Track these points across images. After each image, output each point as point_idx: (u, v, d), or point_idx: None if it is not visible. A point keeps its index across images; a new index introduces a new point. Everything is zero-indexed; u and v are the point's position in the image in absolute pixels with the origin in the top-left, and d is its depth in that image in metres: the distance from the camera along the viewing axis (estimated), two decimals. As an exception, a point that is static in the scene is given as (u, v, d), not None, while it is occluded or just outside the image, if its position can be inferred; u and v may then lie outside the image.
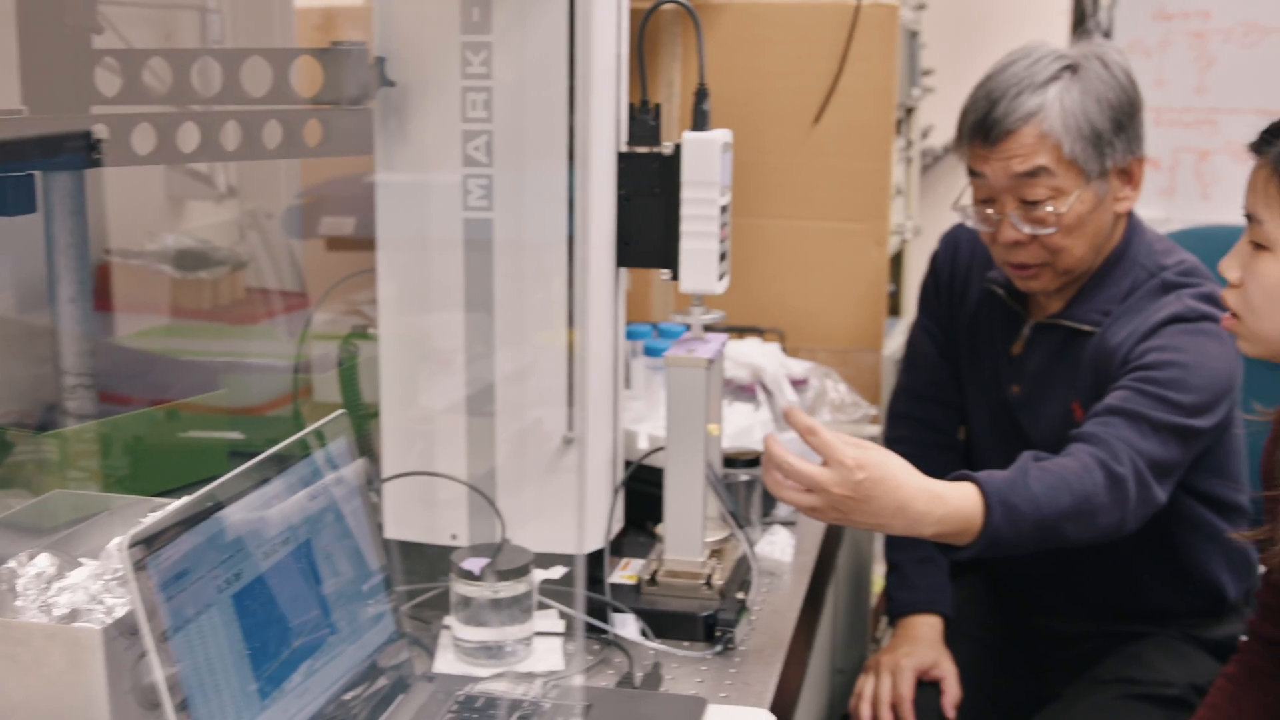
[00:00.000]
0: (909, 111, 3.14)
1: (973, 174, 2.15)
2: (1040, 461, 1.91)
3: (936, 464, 2.32)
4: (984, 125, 2.09)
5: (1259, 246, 1.63)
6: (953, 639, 2.29)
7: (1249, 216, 1.64)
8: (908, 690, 2.17)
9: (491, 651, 1.60)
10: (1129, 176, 2.14)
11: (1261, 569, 1.92)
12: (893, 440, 2.46)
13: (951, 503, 1.79)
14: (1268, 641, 1.91)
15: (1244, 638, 1.99)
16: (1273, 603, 1.87)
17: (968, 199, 2.18)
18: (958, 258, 2.39)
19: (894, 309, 3.25)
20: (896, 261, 3.23)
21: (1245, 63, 4.59)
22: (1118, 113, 2.09)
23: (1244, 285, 1.65)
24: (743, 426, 2.12)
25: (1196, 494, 2.17)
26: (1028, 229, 2.09)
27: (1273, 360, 1.69)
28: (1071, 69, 2.09)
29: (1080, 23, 4.00)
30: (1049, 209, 2.07)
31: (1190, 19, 4.62)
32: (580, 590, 1.69)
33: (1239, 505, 2.24)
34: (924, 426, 2.43)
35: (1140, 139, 2.14)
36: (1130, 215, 2.20)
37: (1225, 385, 2.04)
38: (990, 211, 2.13)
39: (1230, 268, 1.68)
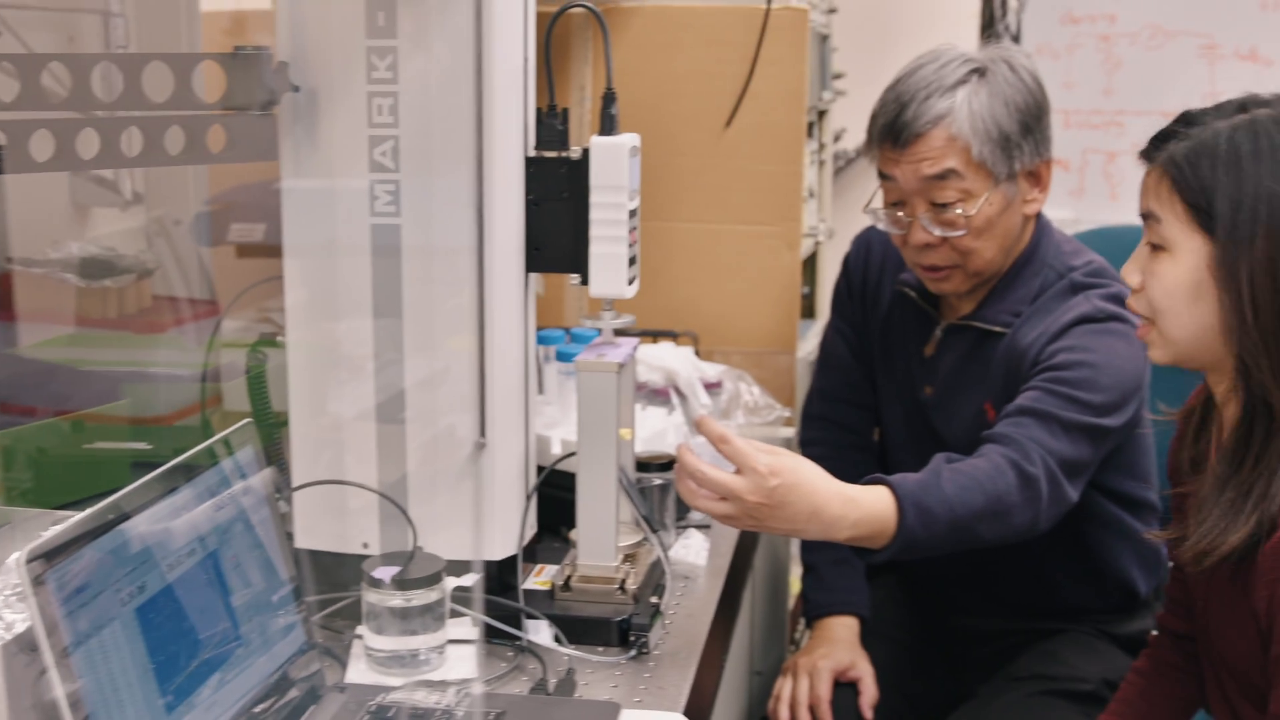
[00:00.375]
0: (821, 115, 3.16)
1: (883, 177, 2.16)
2: (953, 463, 1.93)
3: (851, 465, 2.34)
4: (893, 129, 2.10)
5: (1156, 248, 1.65)
6: (869, 639, 2.30)
7: (1145, 217, 1.67)
8: (825, 691, 2.18)
9: (404, 660, 1.59)
10: (1037, 179, 2.16)
11: (1170, 564, 1.94)
12: (807, 442, 2.47)
13: (865, 506, 1.79)
14: (1176, 636, 1.93)
15: (1153, 633, 2.02)
16: (1181, 598, 1.90)
17: (879, 202, 2.19)
18: (870, 260, 2.40)
19: (809, 311, 3.27)
20: (810, 264, 3.25)
21: (1151, 65, 4.66)
22: (1025, 116, 2.11)
23: (1145, 288, 1.67)
24: (657, 430, 2.12)
25: (1107, 492, 2.20)
26: (938, 231, 2.10)
27: (1182, 366, 1.71)
28: (979, 72, 2.11)
29: (989, 26, 4.04)
30: (958, 211, 2.08)
31: (1097, 22, 4.68)
32: (477, 596, 1.68)
33: (1149, 502, 2.27)
34: (838, 428, 2.44)
35: (1048, 141, 2.16)
36: (1039, 217, 2.22)
37: (1134, 384, 2.06)
38: (901, 214, 2.14)
39: (1131, 273, 1.70)
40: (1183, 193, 1.61)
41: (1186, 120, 1.64)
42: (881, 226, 2.20)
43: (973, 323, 2.20)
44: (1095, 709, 2.11)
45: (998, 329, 2.17)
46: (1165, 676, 1.94)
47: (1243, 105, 1.62)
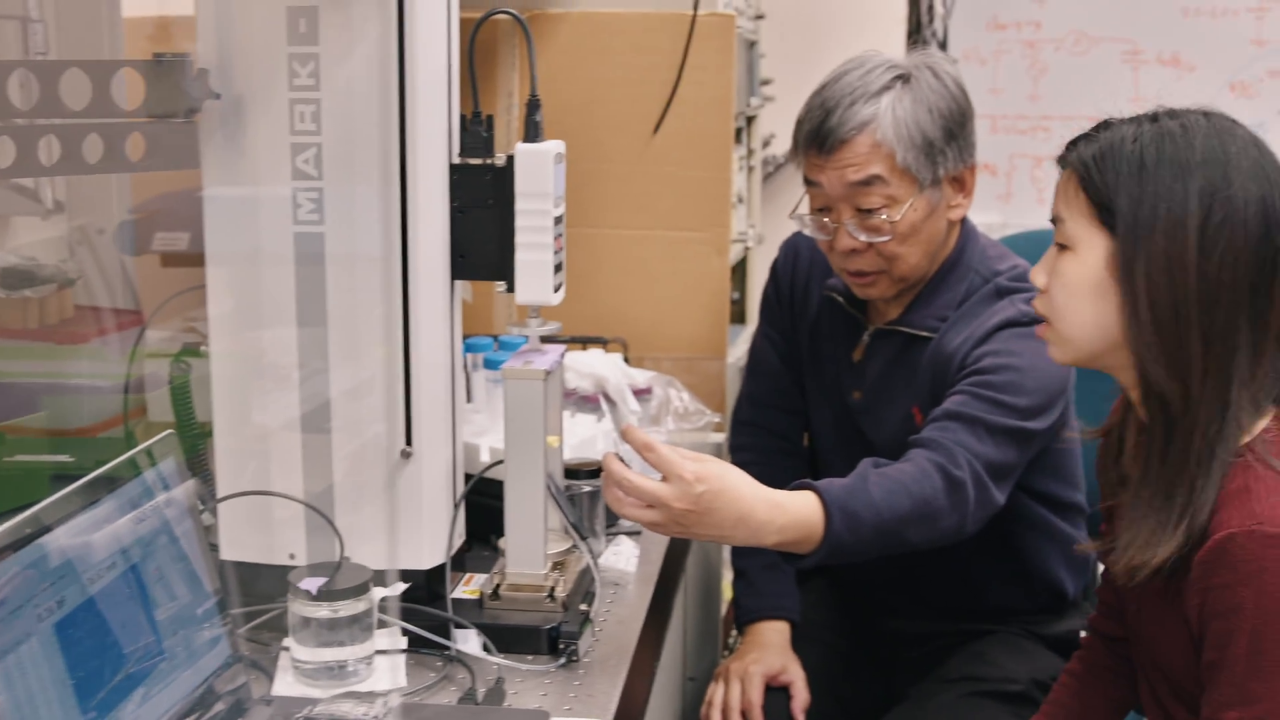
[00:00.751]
0: (749, 120, 3.17)
1: (809, 183, 2.17)
2: (880, 468, 1.93)
3: (781, 470, 2.35)
4: (819, 135, 2.11)
5: (1063, 248, 1.68)
6: (801, 644, 2.31)
7: (1054, 220, 1.69)
8: (757, 696, 2.18)
9: (332, 672, 1.58)
10: (961, 184, 2.18)
11: (1101, 567, 1.96)
12: (737, 448, 2.47)
13: (792, 511, 1.80)
14: (1108, 638, 1.95)
15: (1084, 634, 2.03)
16: (1112, 601, 1.91)
17: (805, 208, 2.20)
18: (798, 265, 2.41)
19: (739, 316, 3.27)
20: (740, 269, 3.26)
21: (1076, 71, 4.71)
22: (949, 122, 2.12)
23: (1049, 288, 1.70)
24: (585, 437, 2.11)
25: (1034, 494, 2.22)
26: (863, 237, 2.11)
27: (1083, 365, 1.73)
28: (903, 79, 2.12)
29: (916, 32, 4.06)
30: (883, 217, 2.09)
31: (1023, 28, 4.72)
32: (397, 606, 1.67)
33: (1076, 504, 2.29)
34: (768, 433, 2.45)
35: (972, 147, 2.18)
36: (964, 222, 2.24)
37: (1059, 387, 2.08)
38: (827, 220, 2.15)
39: (1038, 274, 1.72)
40: (1088, 191, 1.64)
41: (1101, 126, 1.68)
42: (808, 232, 2.20)
43: (899, 327, 2.21)
44: (1025, 709, 2.13)
45: (924, 334, 2.18)
46: (1097, 678, 1.96)
47: (1155, 116, 1.65)
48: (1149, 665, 1.76)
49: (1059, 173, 1.71)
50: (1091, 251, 1.64)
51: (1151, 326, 1.59)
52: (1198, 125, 1.62)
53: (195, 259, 1.71)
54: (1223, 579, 1.53)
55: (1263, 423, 1.61)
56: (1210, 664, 1.57)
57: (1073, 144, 1.69)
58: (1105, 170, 1.62)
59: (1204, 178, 1.58)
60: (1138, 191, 1.60)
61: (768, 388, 2.45)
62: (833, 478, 1.90)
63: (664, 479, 1.69)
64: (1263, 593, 1.51)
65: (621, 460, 1.70)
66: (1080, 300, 1.66)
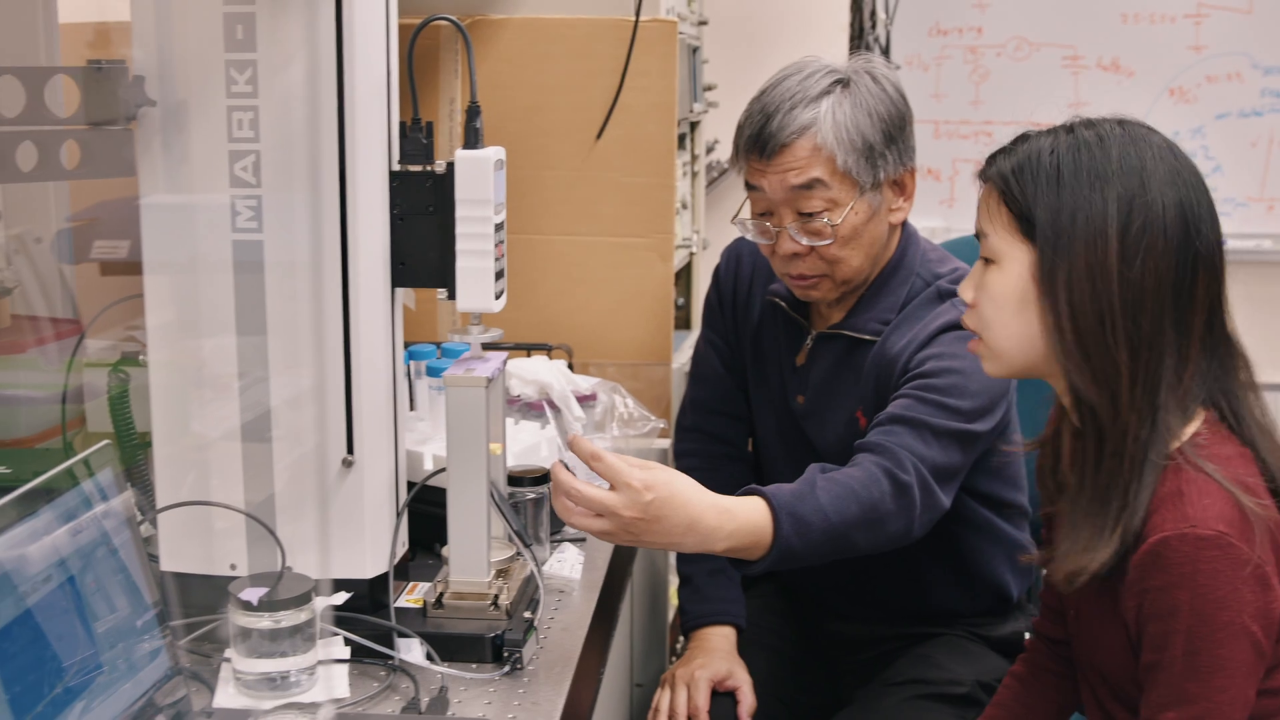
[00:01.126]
0: (693, 126, 3.17)
1: (750, 188, 2.17)
2: (828, 473, 1.94)
3: (725, 476, 2.35)
4: (759, 140, 2.12)
5: (988, 262, 1.69)
6: (747, 648, 2.31)
7: (978, 235, 1.71)
8: (703, 701, 2.18)
9: (274, 683, 1.57)
10: (901, 188, 2.19)
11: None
12: (682, 454, 2.47)
13: (741, 517, 1.80)
14: (1051, 641, 1.96)
15: (1029, 636, 2.04)
16: (1054, 605, 1.93)
17: (747, 213, 2.21)
18: (740, 271, 2.42)
19: (684, 322, 3.27)
20: (685, 275, 3.26)
21: (1017, 76, 4.75)
22: (889, 125, 2.14)
23: (977, 303, 1.71)
24: (530, 444, 2.11)
25: (978, 496, 2.23)
26: (805, 240, 2.12)
27: (1018, 376, 1.75)
28: (843, 83, 2.13)
29: (859, 38, 4.08)
30: (825, 220, 2.10)
31: (964, 34, 4.76)
32: (333, 615, 1.66)
33: (1019, 505, 2.30)
34: (712, 439, 2.45)
35: (911, 151, 2.19)
36: (905, 226, 2.25)
37: (1002, 389, 2.09)
38: (769, 224, 2.15)
39: (966, 289, 1.74)
40: (1009, 204, 1.66)
41: (1019, 139, 1.70)
42: (750, 237, 2.21)
43: (842, 331, 2.22)
44: (970, 711, 2.14)
45: (867, 337, 2.19)
46: (1040, 681, 1.97)
47: (1071, 127, 1.67)
48: (1089, 667, 1.78)
49: (981, 187, 1.73)
50: (1015, 264, 1.65)
51: (1075, 338, 1.60)
52: (1113, 134, 1.64)
53: (135, 267, 1.69)
54: (1158, 581, 1.55)
55: (1193, 426, 1.62)
56: (1148, 665, 1.59)
57: (992, 158, 1.71)
58: (1024, 183, 1.64)
59: (1121, 186, 1.60)
60: (1056, 203, 1.61)
61: (711, 393, 2.45)
62: (780, 483, 1.90)
63: (612, 488, 1.69)
64: (1197, 594, 1.52)
65: (568, 469, 1.70)
66: (1007, 314, 1.67)
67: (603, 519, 1.69)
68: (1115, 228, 1.58)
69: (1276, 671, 1.62)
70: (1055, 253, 1.61)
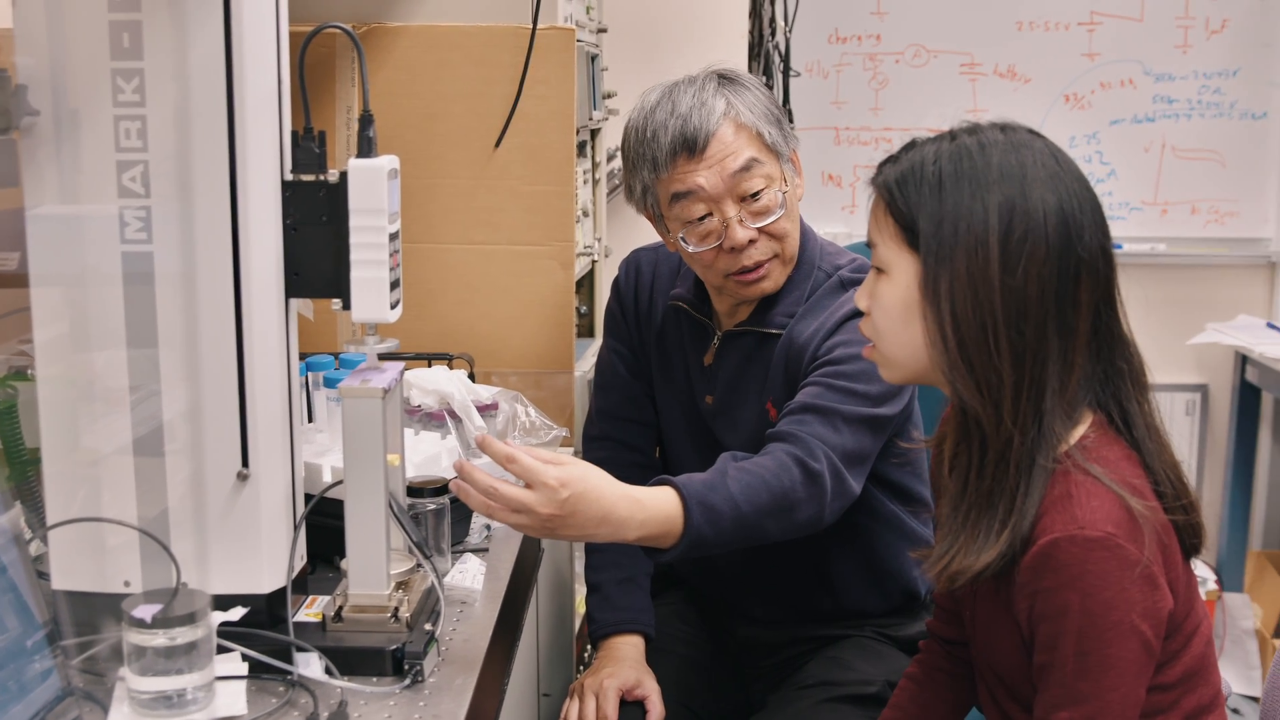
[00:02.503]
0: (593, 134, 3.17)
1: (679, 197, 2.17)
2: (739, 461, 1.96)
3: (636, 484, 2.36)
4: (686, 137, 2.14)
5: (880, 272, 1.70)
6: (656, 657, 2.32)
7: (869, 244, 1.72)
8: (612, 711, 2.19)
9: (170, 701, 1.54)
10: (796, 165, 2.26)
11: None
12: (591, 462, 2.47)
13: (651, 507, 1.83)
14: (946, 641, 1.98)
15: (922, 641, 2.06)
16: (949, 606, 1.94)
17: (680, 231, 2.20)
18: (640, 280, 2.43)
19: (588, 330, 3.27)
20: (588, 283, 3.26)
21: (916, 82, 4.80)
22: (776, 105, 2.23)
23: (871, 312, 1.72)
24: (430, 455, 2.09)
25: (888, 486, 2.26)
26: (755, 223, 2.16)
27: (914, 382, 1.76)
28: (723, 78, 2.21)
29: (758, 45, 4.10)
30: (771, 195, 2.16)
31: (864, 41, 4.80)
32: (213, 629, 1.64)
33: (925, 500, 2.33)
34: (621, 446, 2.46)
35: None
36: (802, 223, 2.29)
37: None
38: (714, 221, 2.16)
39: (861, 297, 1.75)
40: (894, 214, 1.66)
41: (907, 147, 1.71)
42: (693, 249, 2.20)
43: (751, 328, 2.25)
44: (880, 710, 2.16)
45: (774, 331, 2.23)
46: (936, 682, 1.99)
47: (954, 134, 1.68)
48: (986, 667, 1.79)
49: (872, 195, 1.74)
50: (903, 274, 1.66)
51: (957, 347, 1.61)
52: (994, 141, 1.65)
53: (22, 279, 1.66)
54: (1048, 583, 1.56)
55: (1080, 429, 1.64)
56: (1040, 666, 1.61)
57: (881, 166, 1.72)
58: (908, 191, 1.65)
59: (1001, 193, 1.60)
60: (938, 211, 1.62)
61: (618, 400, 2.46)
62: (691, 473, 1.92)
63: (528, 486, 1.71)
64: (1087, 595, 1.54)
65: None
66: (896, 323, 1.68)
67: (520, 514, 1.71)
68: (996, 236, 1.59)
69: (1166, 667, 1.64)
70: (938, 262, 1.61)
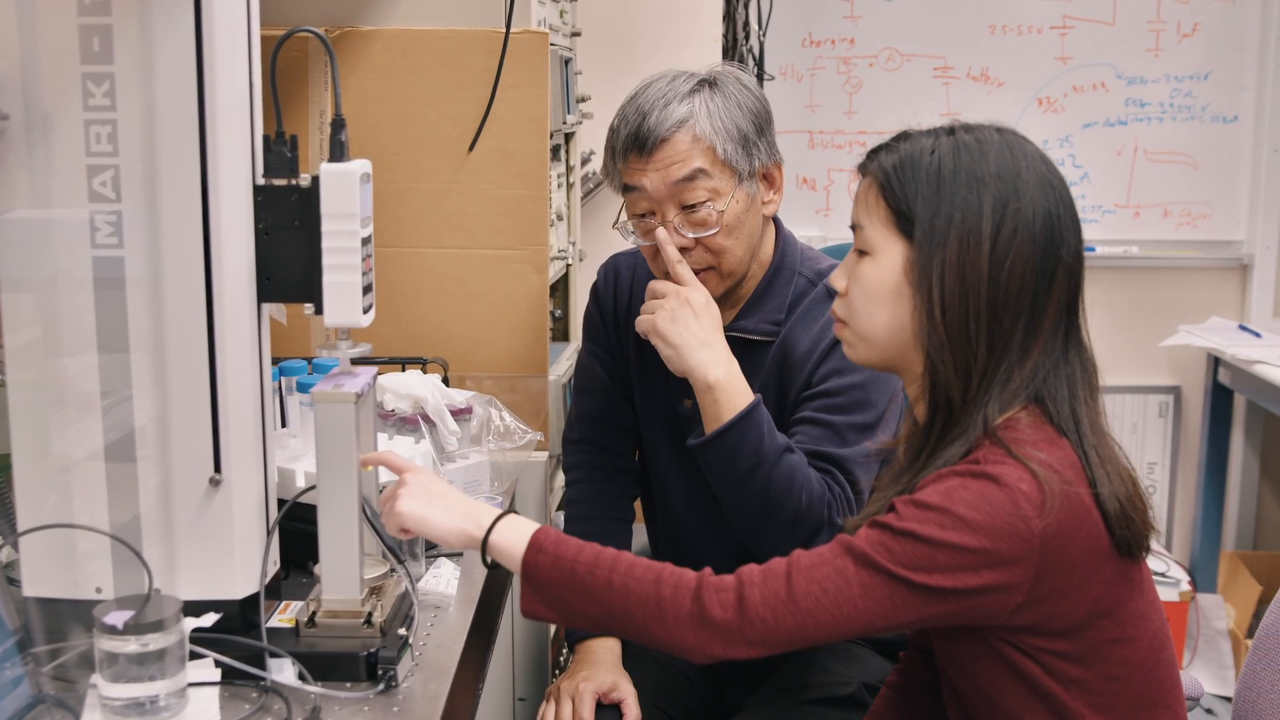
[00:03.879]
0: (567, 138, 3.16)
1: (629, 189, 2.19)
2: None
3: (615, 487, 2.39)
4: (638, 137, 2.14)
5: (862, 254, 1.73)
6: (633, 660, 2.32)
7: (854, 227, 1.75)
8: (588, 714, 2.18)
9: (143, 708, 1.53)
10: (771, 181, 2.25)
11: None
12: (571, 467, 2.47)
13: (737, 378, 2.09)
14: (924, 650, 1.99)
15: (902, 653, 2.07)
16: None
17: (626, 220, 2.22)
18: (619, 284, 2.43)
19: (562, 334, 3.27)
20: (563, 287, 3.25)
21: (889, 86, 4.81)
22: (757, 118, 2.20)
23: (848, 292, 1.74)
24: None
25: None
26: (690, 233, 2.16)
27: (877, 366, 1.78)
28: (709, 83, 2.20)
29: (732, 49, 4.11)
30: (709, 209, 2.14)
31: (837, 45, 4.81)
32: (185, 635, 1.63)
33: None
34: (601, 450, 2.46)
35: (775, 146, 2.25)
36: (781, 228, 2.30)
37: (895, 386, 2.16)
38: (654, 220, 2.17)
39: (838, 278, 1.79)
40: (888, 199, 1.70)
41: (900, 137, 1.73)
42: (630, 241, 2.23)
43: (734, 334, 2.25)
44: (856, 712, 2.18)
45: (760, 338, 2.23)
46: (914, 690, 2.00)
47: (951, 129, 1.72)
48: (944, 674, 1.81)
49: (859, 180, 1.76)
50: (889, 257, 1.69)
51: (944, 329, 1.65)
52: (991, 140, 1.70)
53: (-3, 284, 1.65)
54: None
55: (1010, 413, 1.66)
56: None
57: (873, 153, 1.75)
58: (905, 180, 1.68)
59: (997, 190, 1.65)
60: (935, 201, 1.66)
61: (599, 404, 2.46)
62: (671, 494, 2.02)
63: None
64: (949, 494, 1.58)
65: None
66: (877, 304, 1.71)
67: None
68: (989, 230, 1.64)
69: (1093, 664, 1.65)
70: (931, 249, 1.65)
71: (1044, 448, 1.61)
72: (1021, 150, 1.69)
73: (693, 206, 2.15)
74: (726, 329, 2.25)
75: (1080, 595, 1.61)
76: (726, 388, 2.09)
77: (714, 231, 2.16)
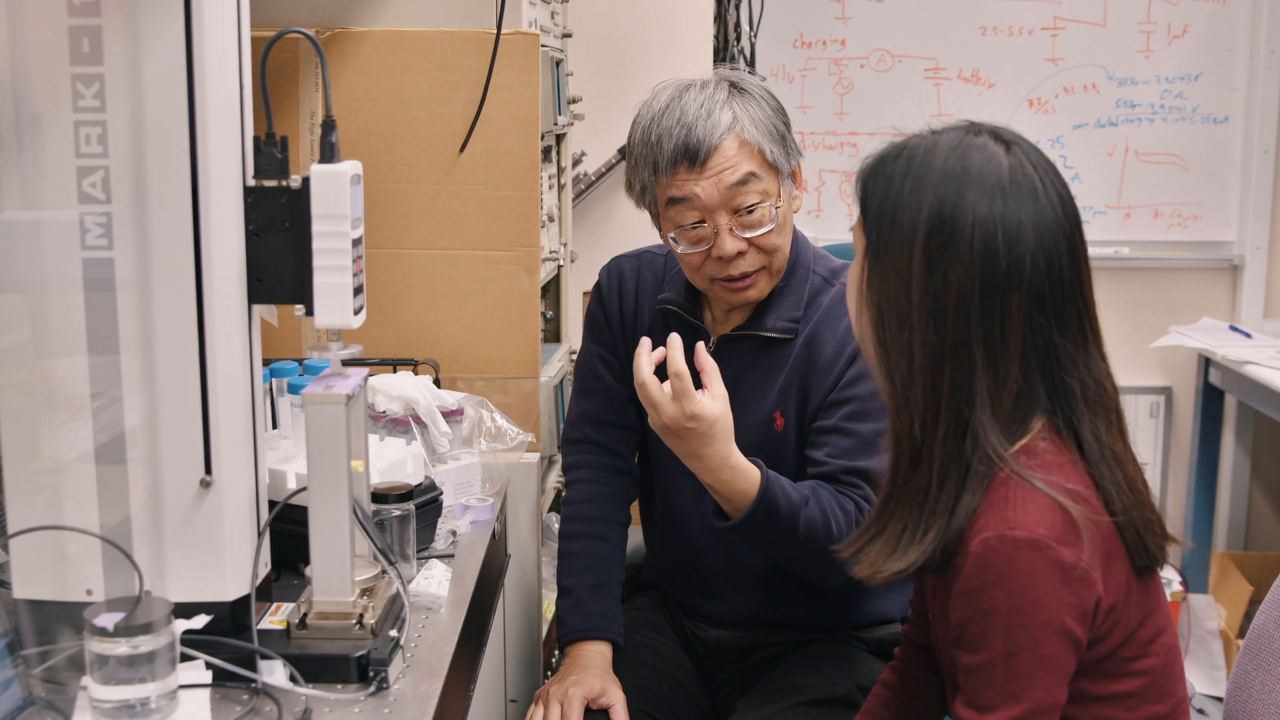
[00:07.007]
0: (559, 139, 3.17)
1: (675, 201, 2.18)
2: (826, 495, 2.15)
3: (614, 489, 2.39)
4: (688, 149, 2.16)
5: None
6: (623, 664, 2.31)
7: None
8: (576, 719, 2.18)
9: (134, 710, 1.53)
10: (796, 178, 2.28)
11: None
12: (571, 467, 2.47)
13: (734, 481, 2.07)
14: (919, 647, 1.99)
15: (898, 649, 2.07)
16: (922, 610, 1.95)
17: (672, 231, 2.22)
18: (623, 286, 2.43)
19: (554, 335, 3.27)
20: (554, 288, 3.25)
21: (880, 87, 4.81)
22: (783, 118, 2.24)
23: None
24: (395, 461, 2.09)
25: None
26: (747, 235, 2.18)
27: None
28: (734, 86, 2.22)
29: (723, 50, 4.11)
30: (762, 211, 2.17)
31: (828, 46, 4.81)
32: (176, 637, 1.63)
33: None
34: (603, 450, 2.45)
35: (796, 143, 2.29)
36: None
37: None
38: (706, 229, 2.17)
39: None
40: (860, 203, 1.69)
41: (913, 136, 1.71)
42: (681, 250, 2.22)
43: (751, 332, 2.26)
44: (849, 712, 2.17)
45: (779, 336, 2.24)
46: (909, 688, 1.99)
47: (934, 130, 1.69)
48: (945, 668, 1.80)
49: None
50: (860, 257, 1.70)
51: (881, 335, 1.63)
52: (948, 142, 1.64)
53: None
54: (976, 582, 1.56)
55: (1026, 439, 1.63)
56: (970, 668, 1.60)
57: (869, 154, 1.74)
58: (868, 182, 1.68)
59: (936, 195, 1.60)
60: (884, 205, 1.64)
61: (602, 404, 2.45)
62: (679, 501, 2.14)
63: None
64: (1014, 594, 1.54)
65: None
66: (856, 308, 1.71)
67: (652, 409, 2.02)
68: (922, 235, 1.59)
69: (1124, 678, 1.65)
70: (875, 252, 1.64)
71: (1069, 472, 1.60)
72: (983, 152, 1.62)
73: (749, 209, 2.17)
74: (744, 328, 2.27)
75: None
76: (726, 487, 2.08)
77: (768, 229, 2.18)
